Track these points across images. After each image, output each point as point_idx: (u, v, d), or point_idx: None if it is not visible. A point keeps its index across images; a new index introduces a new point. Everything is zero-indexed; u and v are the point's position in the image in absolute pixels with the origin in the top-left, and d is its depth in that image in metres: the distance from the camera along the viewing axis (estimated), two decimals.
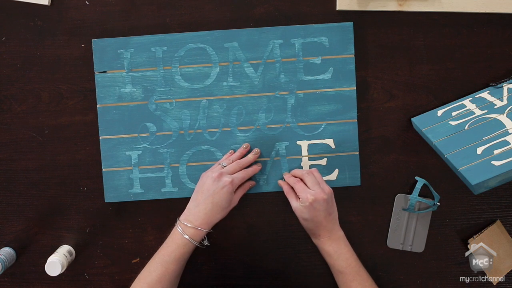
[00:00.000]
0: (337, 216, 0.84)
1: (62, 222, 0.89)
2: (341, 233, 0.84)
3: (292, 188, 0.85)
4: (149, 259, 0.81)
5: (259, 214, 0.90)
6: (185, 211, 0.83)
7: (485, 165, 0.73)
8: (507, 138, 0.76)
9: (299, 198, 0.82)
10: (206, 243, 0.82)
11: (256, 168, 0.87)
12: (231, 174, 0.83)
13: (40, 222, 0.89)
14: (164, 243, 0.82)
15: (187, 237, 0.79)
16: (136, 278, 0.81)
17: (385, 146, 0.90)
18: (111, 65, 0.88)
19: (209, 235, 0.82)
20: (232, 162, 0.85)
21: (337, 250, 0.83)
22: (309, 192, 0.81)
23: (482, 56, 0.89)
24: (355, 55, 0.88)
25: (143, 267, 0.81)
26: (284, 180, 0.88)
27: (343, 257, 0.82)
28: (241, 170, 0.85)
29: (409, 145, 0.89)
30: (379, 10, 0.88)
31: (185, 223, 0.80)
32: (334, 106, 0.88)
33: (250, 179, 0.88)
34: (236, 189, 0.84)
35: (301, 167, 0.88)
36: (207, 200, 0.81)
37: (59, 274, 0.82)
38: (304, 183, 0.83)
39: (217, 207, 0.81)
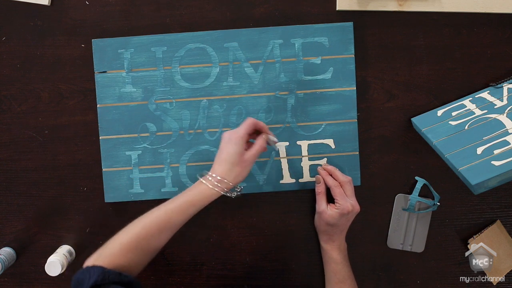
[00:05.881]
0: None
1: (62, 222, 0.89)
2: (346, 245, 0.87)
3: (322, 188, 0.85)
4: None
5: (259, 214, 0.90)
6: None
7: (485, 165, 0.73)
8: (507, 138, 0.76)
9: (335, 203, 0.83)
10: (237, 194, 0.80)
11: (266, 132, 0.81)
12: None
13: (40, 222, 0.89)
14: (183, 195, 0.77)
15: (217, 186, 0.75)
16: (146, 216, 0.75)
17: (385, 146, 0.89)
18: (111, 65, 0.88)
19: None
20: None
21: (343, 259, 0.85)
22: (349, 201, 0.82)
23: (482, 56, 0.89)
24: (355, 55, 0.88)
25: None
26: (318, 175, 0.87)
27: (347, 268, 0.85)
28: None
29: (409, 145, 0.89)
30: (379, 10, 0.88)
31: (212, 174, 0.76)
32: (334, 106, 0.88)
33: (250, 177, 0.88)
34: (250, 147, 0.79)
35: (301, 167, 0.88)
36: (220, 157, 0.77)
37: (59, 274, 0.82)
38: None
39: (228, 164, 0.77)
